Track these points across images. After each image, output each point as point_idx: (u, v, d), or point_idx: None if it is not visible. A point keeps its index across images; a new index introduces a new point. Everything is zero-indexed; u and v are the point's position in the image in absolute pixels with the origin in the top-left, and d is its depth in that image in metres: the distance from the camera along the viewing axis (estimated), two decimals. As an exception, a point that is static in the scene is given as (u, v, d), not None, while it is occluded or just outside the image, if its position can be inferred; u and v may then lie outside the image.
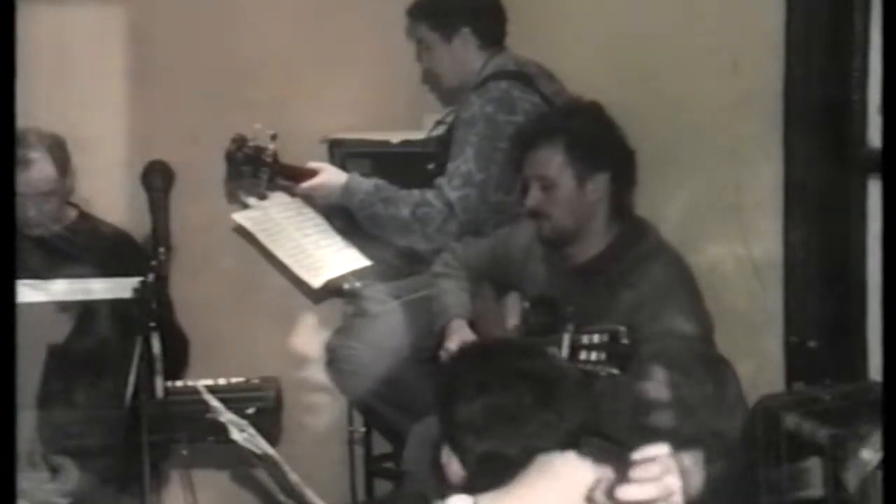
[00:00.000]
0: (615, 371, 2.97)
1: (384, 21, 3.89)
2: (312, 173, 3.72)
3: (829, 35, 3.68)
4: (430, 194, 3.62)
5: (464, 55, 3.79)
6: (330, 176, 3.72)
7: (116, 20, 4.21)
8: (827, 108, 3.70)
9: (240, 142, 3.69)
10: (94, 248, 3.68)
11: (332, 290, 3.86)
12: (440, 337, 3.42)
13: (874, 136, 3.64)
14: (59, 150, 3.67)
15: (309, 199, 3.76)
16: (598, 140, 3.18)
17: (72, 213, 3.77)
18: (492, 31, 3.82)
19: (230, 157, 3.69)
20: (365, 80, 4.07)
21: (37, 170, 3.58)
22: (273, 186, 3.73)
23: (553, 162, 3.16)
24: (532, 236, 3.31)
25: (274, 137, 3.67)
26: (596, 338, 3.00)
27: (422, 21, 3.84)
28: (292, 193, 3.74)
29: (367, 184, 3.71)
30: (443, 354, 3.32)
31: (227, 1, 4.27)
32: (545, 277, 3.27)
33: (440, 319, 3.43)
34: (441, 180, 3.63)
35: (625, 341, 2.94)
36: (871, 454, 3.05)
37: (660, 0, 3.93)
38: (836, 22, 3.66)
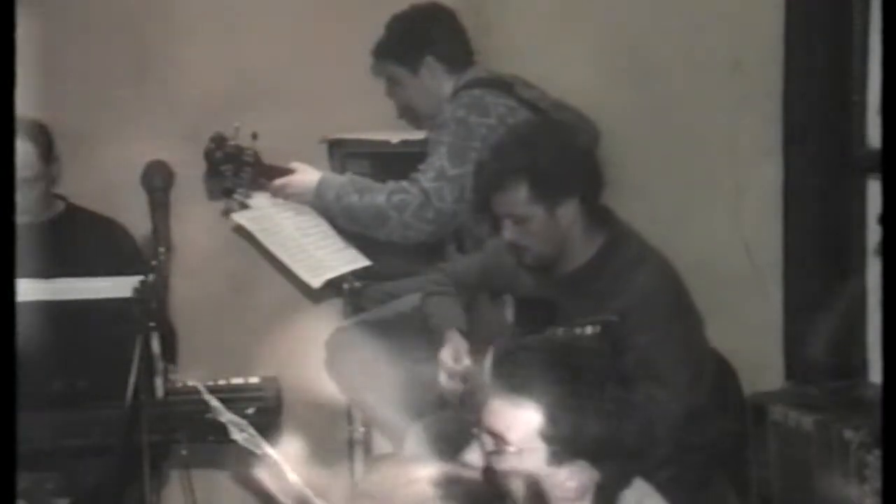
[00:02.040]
0: None
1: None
2: (289, 172, 3.72)
3: (829, 35, 3.69)
4: (405, 183, 3.64)
5: (432, 83, 3.81)
6: (304, 174, 3.72)
7: (115, 20, 4.21)
8: (827, 108, 3.71)
9: (219, 140, 3.66)
10: (84, 238, 3.65)
11: (332, 290, 3.86)
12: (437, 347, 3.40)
13: (874, 136, 3.64)
14: (41, 136, 3.60)
15: (286, 197, 3.75)
16: (559, 167, 3.13)
17: (59, 205, 3.75)
18: (456, 54, 3.83)
19: (209, 156, 3.66)
20: (365, 80, 4.06)
21: (19, 154, 3.48)
22: (255, 187, 3.72)
23: (519, 200, 3.13)
24: None
25: (255, 136, 3.65)
26: (589, 329, 2.99)
27: (387, 59, 3.86)
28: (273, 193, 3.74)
29: (340, 178, 3.73)
30: (441, 377, 3.31)
31: (228, 1, 4.27)
32: (535, 287, 3.26)
33: (435, 334, 3.43)
34: (416, 174, 3.65)
35: (618, 330, 2.94)
36: (851, 434, 3.12)
37: (660, 0, 3.93)
38: (836, 22, 3.67)
